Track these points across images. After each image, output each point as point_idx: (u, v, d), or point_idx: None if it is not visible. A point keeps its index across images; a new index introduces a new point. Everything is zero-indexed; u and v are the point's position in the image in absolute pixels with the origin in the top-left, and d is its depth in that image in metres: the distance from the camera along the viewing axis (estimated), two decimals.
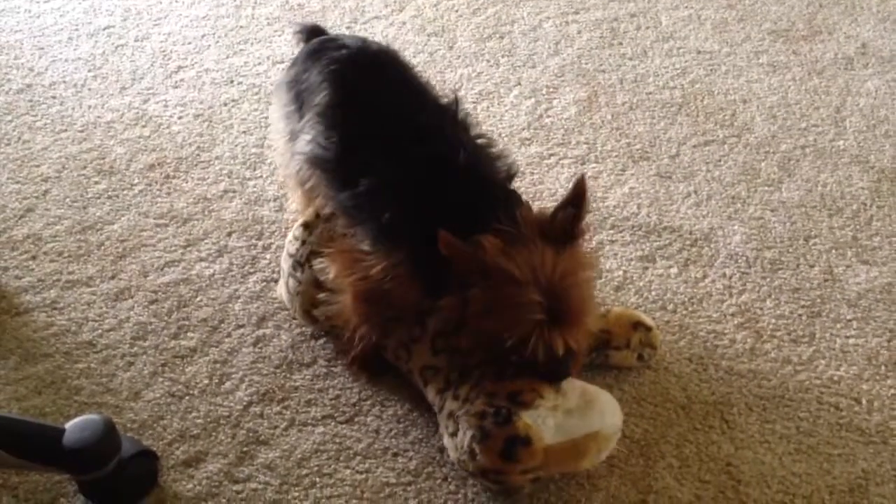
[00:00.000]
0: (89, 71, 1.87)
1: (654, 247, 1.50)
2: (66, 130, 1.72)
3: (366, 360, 1.27)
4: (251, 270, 1.46)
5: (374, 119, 1.23)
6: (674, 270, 1.46)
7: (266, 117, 1.78)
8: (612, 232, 1.53)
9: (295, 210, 1.46)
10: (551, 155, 1.71)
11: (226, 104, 1.81)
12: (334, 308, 1.26)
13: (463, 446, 1.10)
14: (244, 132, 1.74)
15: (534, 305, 1.04)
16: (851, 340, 1.33)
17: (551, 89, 1.88)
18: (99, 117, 1.76)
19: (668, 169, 1.67)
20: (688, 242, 1.51)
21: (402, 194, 1.15)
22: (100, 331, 1.34)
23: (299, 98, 1.33)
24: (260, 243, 1.51)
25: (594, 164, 1.68)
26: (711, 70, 1.92)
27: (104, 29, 2.00)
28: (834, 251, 1.49)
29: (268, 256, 1.49)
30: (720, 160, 1.69)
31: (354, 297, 1.22)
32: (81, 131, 1.72)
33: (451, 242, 1.05)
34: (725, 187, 1.62)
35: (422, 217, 1.12)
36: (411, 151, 1.17)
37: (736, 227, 1.54)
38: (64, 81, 1.84)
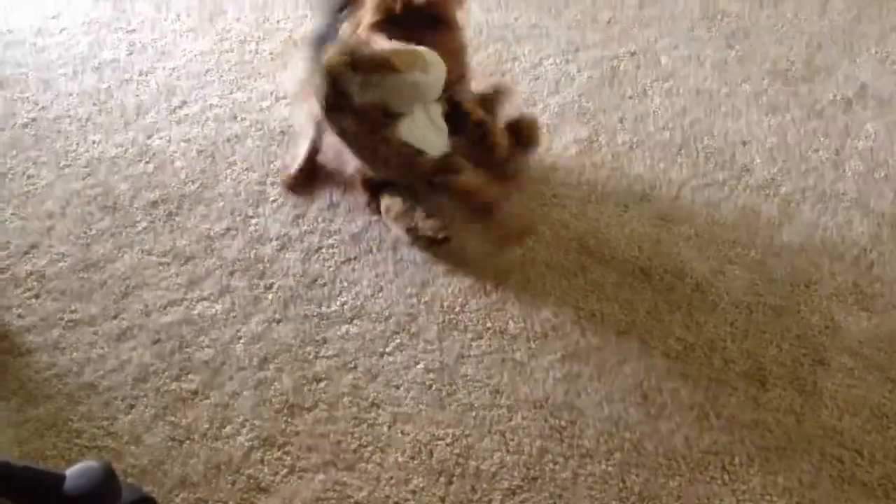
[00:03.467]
0: (94, 105, 1.88)
1: (655, 291, 1.50)
2: (70, 166, 1.73)
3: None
4: (253, 311, 1.47)
5: None
6: (676, 316, 1.46)
7: (271, 155, 1.79)
8: (614, 275, 1.53)
9: None
10: (552, 195, 1.72)
11: (229, 140, 1.81)
12: None
13: None
14: (247, 169, 1.75)
15: None
16: (854, 391, 1.34)
17: (552, 128, 1.89)
18: (103, 153, 1.76)
19: (669, 211, 1.68)
20: (689, 287, 1.52)
21: None
22: (101, 372, 1.34)
23: None
24: (262, 283, 1.52)
25: (595, 205, 1.69)
26: (711, 111, 1.93)
27: (109, 63, 2.01)
28: (835, 298, 1.50)
29: (269, 297, 1.50)
30: (720, 202, 1.70)
31: None
32: (86, 167, 1.73)
33: None
34: (726, 230, 1.63)
35: None
36: None
37: (738, 272, 1.54)
38: (69, 116, 1.85)
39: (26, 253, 1.54)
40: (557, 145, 1.84)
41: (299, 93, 1.67)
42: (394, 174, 1.56)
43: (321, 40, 1.58)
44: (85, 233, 1.59)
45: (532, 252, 1.59)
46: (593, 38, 2.17)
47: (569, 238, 1.62)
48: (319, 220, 1.65)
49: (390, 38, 1.50)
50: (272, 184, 1.72)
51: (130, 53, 2.05)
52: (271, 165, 1.76)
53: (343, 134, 1.51)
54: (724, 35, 2.17)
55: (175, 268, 1.53)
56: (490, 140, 1.60)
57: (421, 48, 1.47)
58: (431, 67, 1.49)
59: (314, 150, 1.68)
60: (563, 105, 1.95)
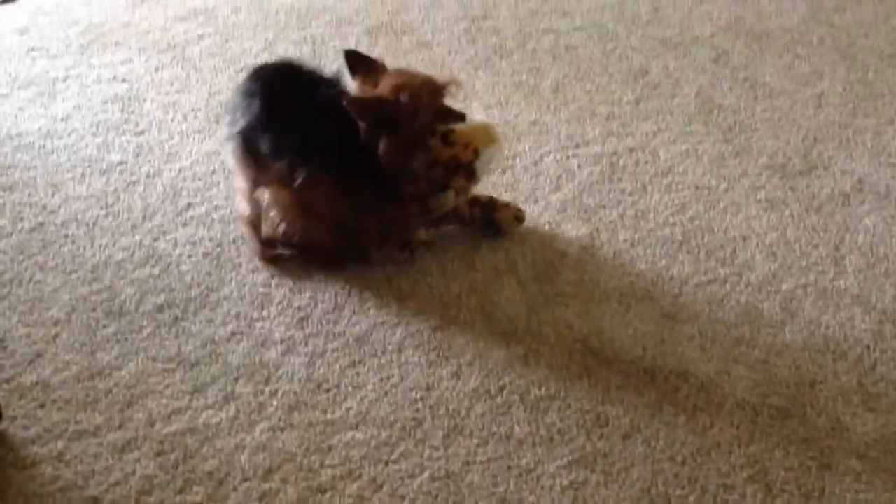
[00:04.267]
0: (101, 209, 1.91)
1: (660, 392, 1.51)
2: (76, 271, 1.75)
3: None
4: (258, 418, 1.47)
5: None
6: (681, 419, 1.46)
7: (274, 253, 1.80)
8: (619, 377, 1.54)
9: None
10: (555, 294, 1.73)
11: (234, 242, 1.84)
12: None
13: None
14: (252, 271, 1.77)
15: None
16: (862, 495, 1.33)
17: (553, 225, 1.91)
18: (110, 256, 1.78)
19: (672, 309, 1.69)
20: (694, 388, 1.52)
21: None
22: (105, 485, 1.34)
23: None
24: (267, 389, 1.52)
25: (598, 304, 1.70)
26: (710, 206, 1.95)
27: (117, 165, 2.04)
28: (840, 398, 1.49)
29: (274, 403, 1.50)
30: (722, 300, 1.71)
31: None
32: (92, 271, 1.75)
33: (357, 98, 1.65)
34: (729, 329, 1.64)
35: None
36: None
37: (742, 372, 1.55)
38: (76, 220, 1.87)
39: (31, 362, 1.54)
40: (560, 242, 1.86)
41: (236, 170, 1.76)
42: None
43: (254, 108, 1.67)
44: (90, 340, 1.59)
45: (536, 353, 1.60)
46: (593, 133, 2.21)
47: (573, 339, 1.62)
48: (324, 321, 1.66)
49: None
50: (277, 286, 1.74)
51: (138, 155, 2.08)
52: (277, 266, 1.78)
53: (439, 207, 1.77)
54: (721, 129, 2.21)
55: (180, 374, 1.54)
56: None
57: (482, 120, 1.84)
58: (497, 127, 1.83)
59: (256, 222, 1.77)
60: (565, 202, 1.98)
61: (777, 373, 1.54)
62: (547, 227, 1.91)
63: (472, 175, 1.73)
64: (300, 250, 1.76)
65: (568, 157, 2.13)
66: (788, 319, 1.66)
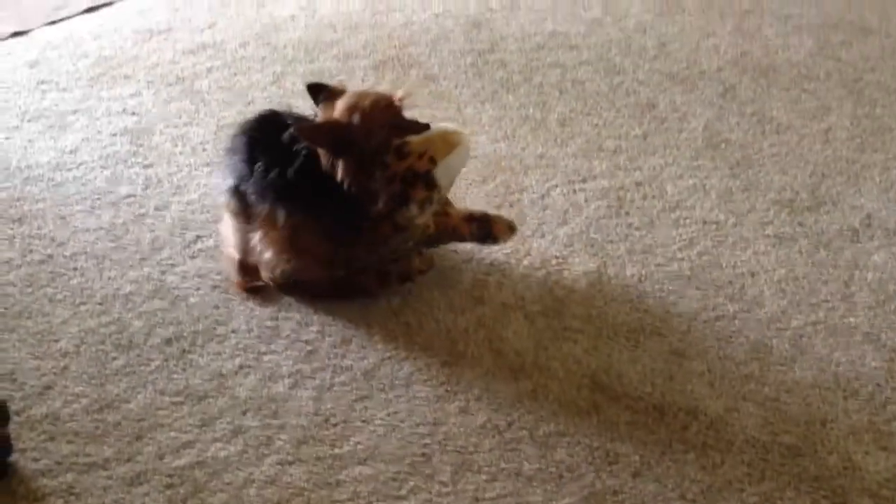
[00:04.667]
0: (110, 241, 1.91)
1: (670, 429, 1.50)
2: (85, 303, 1.75)
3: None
4: (266, 452, 1.46)
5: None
6: (691, 456, 1.45)
7: None
8: (628, 413, 1.53)
9: None
10: (564, 329, 1.73)
11: None
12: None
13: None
14: (260, 304, 1.77)
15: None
16: None
17: (561, 260, 1.91)
18: (118, 289, 1.79)
19: (681, 345, 1.68)
20: (704, 425, 1.51)
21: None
22: None
23: None
24: (275, 423, 1.52)
25: (606, 340, 1.70)
26: (719, 241, 1.96)
27: (125, 198, 2.05)
28: (851, 437, 1.49)
29: (283, 437, 1.49)
30: (731, 336, 1.71)
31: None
32: (101, 304, 1.75)
33: (305, 126, 1.69)
34: (738, 366, 1.64)
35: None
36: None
37: (751, 409, 1.54)
38: (85, 252, 1.88)
39: (41, 394, 1.54)
40: (567, 278, 1.86)
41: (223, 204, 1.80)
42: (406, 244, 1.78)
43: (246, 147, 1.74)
44: (99, 372, 1.59)
45: (545, 389, 1.60)
46: (600, 168, 2.22)
47: (581, 374, 1.62)
48: (331, 355, 1.66)
49: None
50: (284, 319, 1.74)
51: (146, 188, 2.09)
52: (283, 300, 1.78)
53: (411, 223, 1.73)
54: (728, 164, 2.22)
55: (188, 407, 1.54)
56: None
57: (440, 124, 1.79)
58: (462, 130, 1.83)
59: (244, 263, 1.78)
60: (572, 236, 1.98)
61: (787, 410, 1.54)
62: (554, 261, 1.91)
63: (431, 184, 1.69)
64: (301, 289, 1.76)
65: (575, 191, 2.13)
66: (798, 356, 1.66)
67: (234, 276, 1.79)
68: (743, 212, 2.04)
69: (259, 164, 1.68)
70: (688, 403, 1.55)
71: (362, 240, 1.73)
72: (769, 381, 1.60)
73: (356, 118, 1.67)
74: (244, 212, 1.73)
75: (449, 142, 1.73)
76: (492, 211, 1.92)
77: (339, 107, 1.70)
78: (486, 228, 1.83)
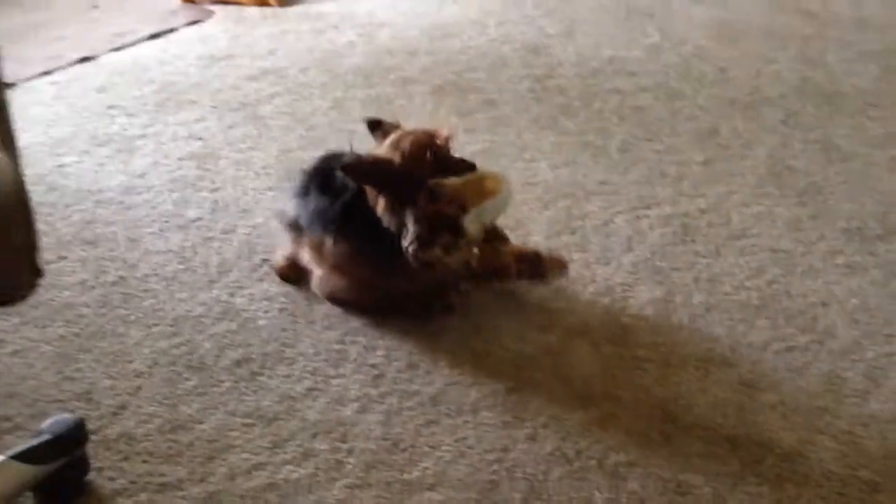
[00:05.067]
0: (180, 263, 1.94)
1: (743, 462, 1.48)
2: (157, 324, 1.77)
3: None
4: (336, 476, 1.47)
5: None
6: (765, 489, 1.43)
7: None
8: (699, 444, 1.52)
9: None
10: (631, 357, 1.72)
11: (307, 299, 1.85)
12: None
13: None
14: (327, 327, 1.78)
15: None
16: None
17: (626, 287, 1.91)
18: (189, 311, 1.81)
19: (752, 376, 1.67)
20: (778, 457, 1.49)
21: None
22: None
23: None
24: (344, 446, 1.52)
25: (675, 369, 1.69)
26: (788, 270, 1.94)
27: (193, 221, 2.08)
28: None
29: (352, 461, 1.50)
30: (803, 368, 1.68)
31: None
32: (172, 325, 1.77)
33: (347, 164, 1.71)
34: (811, 398, 1.61)
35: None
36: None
37: (826, 443, 1.52)
38: (156, 274, 1.91)
39: (116, 414, 1.56)
40: (633, 305, 1.85)
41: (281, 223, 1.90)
42: (446, 279, 1.79)
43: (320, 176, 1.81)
44: (172, 393, 1.61)
45: (613, 418, 1.59)
46: (663, 194, 2.21)
47: (651, 404, 1.61)
48: (398, 380, 1.67)
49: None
50: (351, 343, 1.75)
51: (213, 211, 2.12)
52: (350, 323, 1.79)
53: (441, 266, 1.71)
54: (794, 192, 2.20)
55: (259, 429, 1.55)
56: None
57: (485, 170, 1.75)
58: (505, 179, 1.77)
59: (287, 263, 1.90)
60: (637, 263, 1.97)
61: (864, 444, 1.51)
62: (619, 288, 1.90)
63: (457, 231, 1.67)
64: (348, 304, 1.83)
65: (638, 218, 2.13)
66: (873, 389, 1.63)
67: (279, 261, 1.89)
68: (812, 240, 2.02)
69: (312, 195, 1.78)
70: (761, 435, 1.53)
71: (398, 272, 1.75)
72: (844, 414, 1.57)
73: (396, 156, 1.71)
74: (297, 238, 1.85)
75: (483, 190, 1.71)
76: (550, 241, 1.95)
77: (385, 144, 1.75)
78: (537, 268, 1.82)
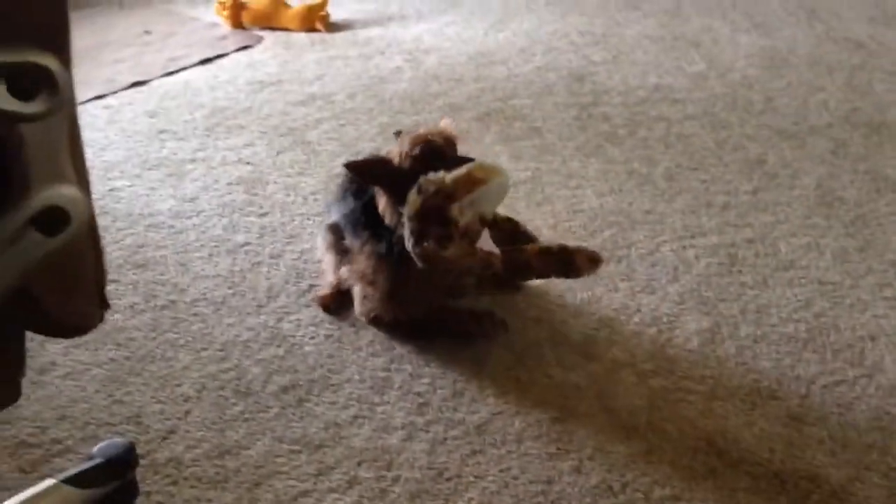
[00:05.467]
0: (228, 288, 1.97)
1: (791, 497, 1.47)
2: (206, 349, 1.80)
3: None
4: None
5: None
6: None
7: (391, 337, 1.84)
8: (746, 479, 1.50)
9: None
10: (677, 389, 1.71)
11: (353, 325, 1.87)
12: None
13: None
14: (372, 354, 1.79)
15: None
16: None
17: (672, 318, 1.90)
18: (237, 336, 1.83)
19: (799, 410, 1.65)
20: (826, 494, 1.48)
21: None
22: None
23: None
24: (389, 475, 1.53)
25: (721, 402, 1.68)
26: (836, 303, 1.92)
27: (242, 246, 2.11)
28: None
29: (397, 489, 1.51)
30: (852, 403, 1.66)
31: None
32: (220, 350, 1.80)
33: (349, 161, 1.74)
34: (860, 433, 1.59)
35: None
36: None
37: (876, 480, 1.50)
38: (205, 298, 1.94)
39: (165, 438, 1.59)
40: (679, 336, 1.84)
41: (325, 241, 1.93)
42: (464, 280, 1.77)
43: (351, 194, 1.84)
44: (220, 418, 1.63)
45: (659, 450, 1.58)
46: (709, 224, 2.21)
47: (696, 437, 1.60)
48: (443, 408, 1.67)
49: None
50: (396, 370, 1.76)
51: (262, 236, 2.15)
52: (395, 350, 1.80)
53: (441, 261, 1.66)
54: (842, 223, 2.18)
55: (305, 456, 1.56)
56: (523, 228, 1.88)
57: (480, 160, 1.71)
58: (499, 168, 1.72)
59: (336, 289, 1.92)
60: (683, 294, 1.96)
61: None
62: (665, 318, 1.89)
63: (447, 222, 1.62)
64: (390, 328, 1.85)
65: (685, 248, 2.12)
66: None
67: (323, 289, 1.92)
68: (860, 273, 2.00)
69: (349, 200, 1.82)
70: (808, 471, 1.52)
71: (411, 275, 1.75)
72: (893, 451, 1.55)
73: (394, 154, 1.75)
74: (340, 248, 1.87)
75: (473, 179, 1.66)
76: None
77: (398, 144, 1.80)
78: (566, 262, 1.73)
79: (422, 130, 1.78)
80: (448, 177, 1.66)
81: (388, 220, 1.74)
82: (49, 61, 0.72)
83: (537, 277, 1.87)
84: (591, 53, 3.28)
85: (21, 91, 0.71)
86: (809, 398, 1.68)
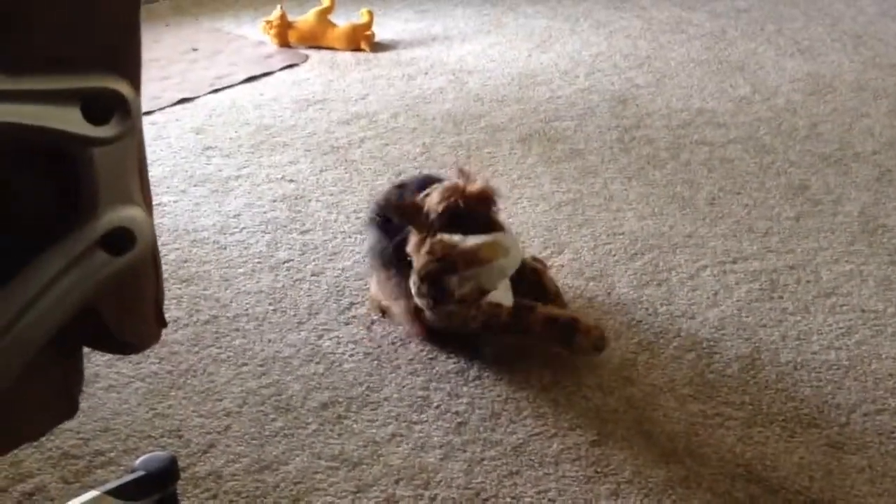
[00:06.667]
0: (270, 304, 2.00)
1: None
2: (247, 364, 1.82)
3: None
4: None
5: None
6: None
7: (433, 356, 1.85)
8: None
9: None
10: (716, 415, 1.70)
11: (393, 343, 1.88)
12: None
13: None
14: (411, 373, 1.81)
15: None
16: None
17: (712, 343, 1.89)
18: (277, 352, 1.86)
19: (839, 439, 1.63)
20: None
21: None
22: None
23: None
24: (427, 494, 1.54)
25: (760, 428, 1.67)
26: (878, 331, 1.90)
27: (284, 263, 2.14)
28: None
29: None
30: (893, 432, 1.65)
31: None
32: (261, 366, 1.82)
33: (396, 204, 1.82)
34: None
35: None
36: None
37: None
38: (247, 314, 1.96)
39: (205, 452, 1.61)
40: (719, 361, 1.84)
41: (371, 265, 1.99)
42: (477, 329, 1.81)
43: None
44: (259, 433, 1.65)
45: (697, 476, 1.57)
46: (750, 249, 2.20)
47: (735, 463, 1.59)
48: (481, 428, 1.68)
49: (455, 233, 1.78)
50: (435, 389, 1.77)
51: (303, 253, 2.18)
52: (434, 369, 1.81)
53: (445, 315, 1.79)
54: (886, 251, 2.16)
55: (343, 473, 1.58)
56: (545, 281, 1.93)
57: (498, 236, 1.78)
58: (511, 250, 1.79)
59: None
60: (723, 319, 1.96)
61: None
62: (705, 344, 1.89)
63: (440, 289, 1.74)
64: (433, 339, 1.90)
65: (725, 273, 2.11)
66: None
67: (408, 326, 1.93)
68: None
69: (381, 231, 1.90)
70: (847, 500, 1.50)
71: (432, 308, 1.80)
72: None
73: (422, 201, 1.80)
74: (378, 268, 1.94)
75: (477, 258, 1.74)
76: (635, 293, 1.93)
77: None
78: (568, 337, 1.79)
79: (459, 182, 1.82)
80: (458, 248, 1.74)
81: (412, 259, 1.81)
82: (122, 87, 0.75)
83: (537, 342, 1.86)
84: (635, 76, 3.28)
85: (94, 115, 0.73)
86: (850, 426, 1.66)
